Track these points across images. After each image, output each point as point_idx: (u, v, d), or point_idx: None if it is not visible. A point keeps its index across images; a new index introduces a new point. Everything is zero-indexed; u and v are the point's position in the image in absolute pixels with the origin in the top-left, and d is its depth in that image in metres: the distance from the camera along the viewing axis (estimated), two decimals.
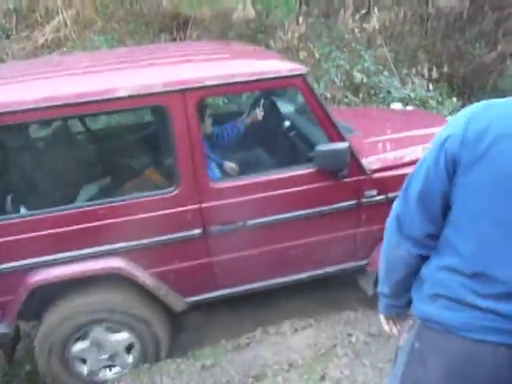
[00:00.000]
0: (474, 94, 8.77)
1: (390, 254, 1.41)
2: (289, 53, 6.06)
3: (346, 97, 5.96)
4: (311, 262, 2.86)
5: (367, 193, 2.68)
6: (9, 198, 2.64)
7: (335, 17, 6.62)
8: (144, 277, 2.48)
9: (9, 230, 2.29)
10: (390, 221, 1.40)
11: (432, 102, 6.47)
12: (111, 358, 2.71)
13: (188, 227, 2.47)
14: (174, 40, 5.68)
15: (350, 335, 3.00)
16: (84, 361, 2.71)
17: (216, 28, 5.35)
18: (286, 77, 2.45)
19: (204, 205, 2.45)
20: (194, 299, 2.75)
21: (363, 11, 6.32)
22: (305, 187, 2.57)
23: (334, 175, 2.56)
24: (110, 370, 2.80)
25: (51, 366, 2.62)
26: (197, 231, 2.50)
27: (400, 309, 1.55)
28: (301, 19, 6.12)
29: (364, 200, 2.69)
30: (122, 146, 3.30)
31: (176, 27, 5.71)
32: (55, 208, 2.35)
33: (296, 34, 5.77)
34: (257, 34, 5.79)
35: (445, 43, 8.03)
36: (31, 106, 2.14)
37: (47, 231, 2.32)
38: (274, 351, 2.90)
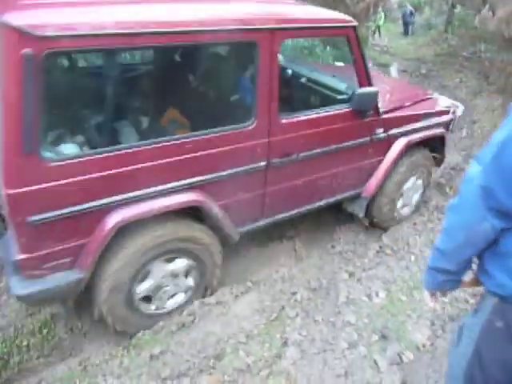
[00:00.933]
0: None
1: (470, 229, 1.30)
2: None
3: None
4: (331, 190, 3.31)
5: (377, 130, 3.24)
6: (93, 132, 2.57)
7: None
8: (216, 209, 2.60)
9: (92, 166, 2.11)
10: (470, 193, 1.28)
11: None
12: (174, 286, 2.74)
13: (256, 160, 2.66)
14: None
15: (293, 293, 3.01)
16: (149, 298, 2.68)
17: None
18: (345, 26, 2.78)
19: (271, 139, 2.65)
20: (245, 229, 2.92)
21: None
22: (341, 124, 2.98)
23: (362, 115, 3.04)
24: (172, 298, 2.82)
25: (117, 309, 2.54)
26: (262, 164, 2.69)
27: (457, 283, 1.52)
28: None
29: (374, 136, 3.23)
30: (201, 80, 3.32)
31: None
32: (142, 142, 2.28)
33: None
34: None
35: None
36: (140, 30, 2.02)
37: (131, 167, 2.21)
38: (222, 324, 2.76)
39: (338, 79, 3.45)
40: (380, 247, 3.62)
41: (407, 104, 3.55)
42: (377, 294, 2.98)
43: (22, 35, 1.75)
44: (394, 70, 8.79)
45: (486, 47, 9.20)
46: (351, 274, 3.21)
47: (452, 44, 12.38)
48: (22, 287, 2.18)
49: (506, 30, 7.16)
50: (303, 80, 3.64)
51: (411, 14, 17.75)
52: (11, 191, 1.93)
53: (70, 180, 2.05)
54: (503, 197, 1.21)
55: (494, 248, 1.32)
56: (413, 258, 3.50)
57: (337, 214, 4.02)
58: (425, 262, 3.44)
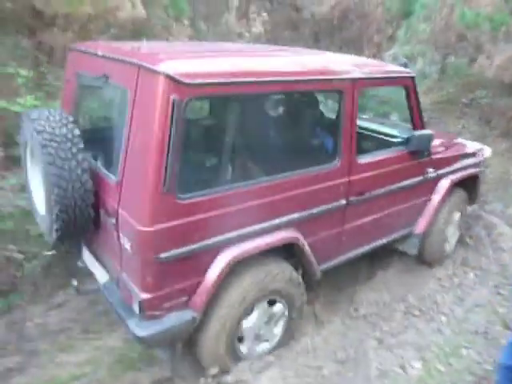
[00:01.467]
0: None
1: None
2: None
3: None
4: (392, 228, 3.48)
5: (429, 170, 3.50)
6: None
7: (217, 19, 6.32)
8: (307, 246, 2.70)
9: (216, 203, 2.22)
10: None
11: None
12: (266, 332, 2.73)
13: (339, 198, 2.82)
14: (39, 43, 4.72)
15: (319, 368, 2.74)
16: (241, 339, 2.64)
17: (95, 26, 4.58)
18: (406, 77, 3.23)
19: (351, 178, 2.83)
20: (325, 267, 2.98)
21: (254, 15, 6.15)
22: (403, 164, 3.23)
23: (418, 155, 3.31)
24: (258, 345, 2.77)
25: (218, 349, 2.50)
26: (343, 202, 2.85)
27: None
28: (186, 22, 5.67)
29: (427, 175, 3.49)
30: (294, 125, 3.47)
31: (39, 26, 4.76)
32: (253, 181, 2.41)
33: (184, 38, 5.30)
34: (141, 35, 5.17)
35: (316, 47, 8.43)
36: (269, 79, 2.29)
37: (247, 203, 2.33)
38: None
39: (393, 125, 4.07)
40: (406, 308, 3.38)
41: (446, 146, 3.84)
42: (411, 365, 2.71)
43: (172, 82, 1.92)
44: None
45: (484, 93, 9.29)
46: (380, 341, 2.95)
47: (450, 91, 12.57)
48: (143, 328, 2.15)
49: (506, 75, 7.24)
50: (366, 125, 3.95)
51: (405, 65, 18.26)
52: (146, 229, 2.00)
53: (198, 217, 2.15)
54: None
55: None
56: (443, 318, 3.25)
57: (356, 273, 3.81)
58: (457, 323, 3.19)
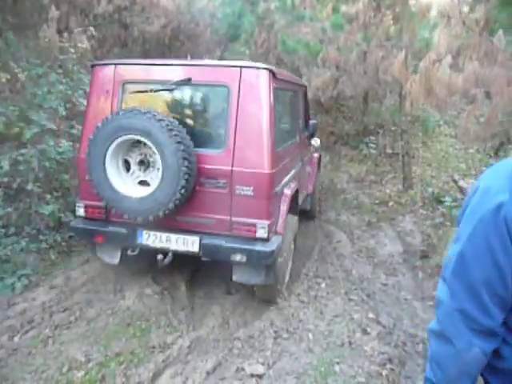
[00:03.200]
0: None
1: (460, 359, 1.09)
2: None
3: (72, 127, 5.03)
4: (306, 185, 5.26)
5: (311, 148, 5.59)
6: None
7: (33, 32, 5.49)
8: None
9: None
10: (447, 318, 1.09)
11: None
12: None
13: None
14: None
15: None
16: None
17: None
18: (304, 86, 5.18)
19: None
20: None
21: (71, 28, 5.47)
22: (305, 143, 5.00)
23: (309, 138, 5.37)
24: None
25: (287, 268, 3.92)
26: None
27: None
28: None
29: (311, 151, 5.45)
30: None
31: None
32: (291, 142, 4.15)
33: None
34: None
35: None
36: None
37: (289, 158, 3.91)
38: None
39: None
40: (275, 332, 3.31)
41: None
42: None
43: (273, 75, 3.18)
44: None
45: None
46: (259, 377, 2.79)
47: None
48: (268, 247, 3.12)
49: (322, 96, 8.06)
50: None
51: None
52: (268, 171, 3.06)
53: (281, 164, 3.47)
54: (479, 315, 1.05)
55: (496, 364, 1.11)
56: (310, 335, 3.28)
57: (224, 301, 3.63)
58: (323, 338, 3.25)
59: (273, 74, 3.16)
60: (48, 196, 4.42)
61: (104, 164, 3.05)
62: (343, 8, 7.01)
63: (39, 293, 3.80)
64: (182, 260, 3.55)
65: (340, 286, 4.17)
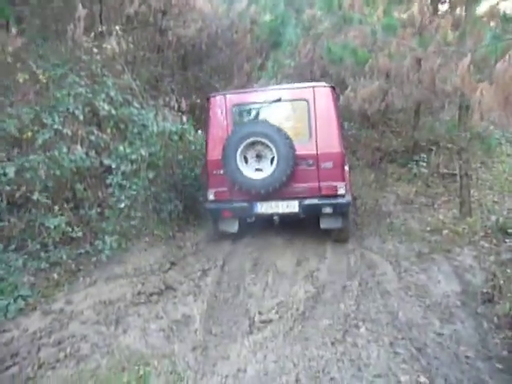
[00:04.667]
0: None
1: None
2: (1, 74, 4.30)
3: (91, 133, 4.61)
4: None
5: None
6: None
7: (62, 34, 5.15)
8: None
9: None
10: None
11: (187, 135, 5.89)
12: None
13: None
14: None
15: None
16: None
17: None
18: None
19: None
20: None
21: (99, 28, 5.10)
22: None
23: None
24: None
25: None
26: None
27: None
28: (14, 30, 4.42)
29: None
30: None
31: None
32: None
33: (9, 49, 4.05)
34: None
35: (184, 74, 7.70)
36: None
37: None
38: None
39: None
40: None
41: None
42: None
43: (333, 90, 4.97)
44: None
45: (350, 125, 9.57)
46: None
47: None
48: (346, 200, 4.88)
49: (369, 108, 7.34)
50: None
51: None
52: (340, 151, 4.81)
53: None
54: None
55: None
56: None
57: None
58: None
59: (333, 88, 5.01)
60: (56, 207, 3.98)
61: (236, 160, 4.61)
62: (395, 12, 6.30)
63: (33, 319, 3.34)
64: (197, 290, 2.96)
65: (383, 332, 3.42)
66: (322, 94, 4.74)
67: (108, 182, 4.48)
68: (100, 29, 5.10)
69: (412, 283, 4.36)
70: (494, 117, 5.07)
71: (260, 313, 3.74)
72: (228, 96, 4.89)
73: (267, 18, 8.06)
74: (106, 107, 4.66)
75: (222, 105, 4.84)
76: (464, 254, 4.92)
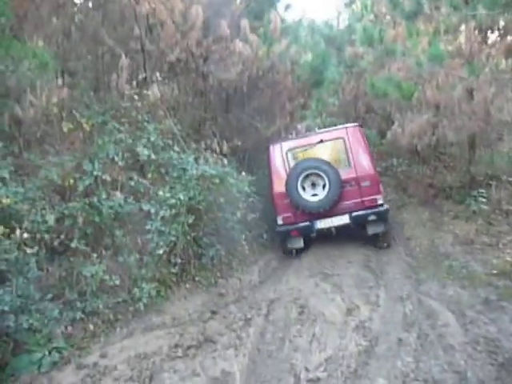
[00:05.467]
0: (260, 166, 8.77)
1: None
2: (47, 124, 4.43)
3: (131, 178, 4.61)
4: None
5: None
6: None
7: (106, 83, 5.32)
8: None
9: None
10: None
11: (229, 178, 5.78)
12: None
13: None
14: None
15: None
16: None
17: None
18: None
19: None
20: None
21: (141, 76, 5.23)
22: None
23: None
24: None
25: None
26: None
27: None
28: (60, 81, 4.59)
29: None
30: None
31: None
32: None
33: (55, 99, 4.18)
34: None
35: (226, 117, 7.76)
36: None
37: None
38: None
39: None
40: None
41: None
42: None
43: (360, 127, 6.63)
44: None
45: (399, 161, 9.20)
46: None
47: None
48: (384, 208, 6.12)
49: (418, 143, 6.99)
50: None
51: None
52: (374, 173, 6.25)
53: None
54: None
55: None
56: None
57: None
58: None
59: (361, 126, 6.58)
60: (95, 255, 3.92)
61: (297, 189, 5.86)
62: (441, 43, 6.05)
63: (66, 373, 3.21)
64: None
65: None
66: (353, 132, 6.12)
67: (147, 227, 4.40)
68: (142, 76, 5.22)
69: (480, 336, 3.84)
70: None
71: (307, 369, 3.40)
72: (283, 143, 6.32)
73: (308, 57, 8.04)
74: (146, 152, 4.67)
75: (278, 150, 6.23)
76: None
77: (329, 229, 6.04)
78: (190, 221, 4.77)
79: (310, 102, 9.30)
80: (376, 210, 5.86)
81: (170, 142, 5.23)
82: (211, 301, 4.78)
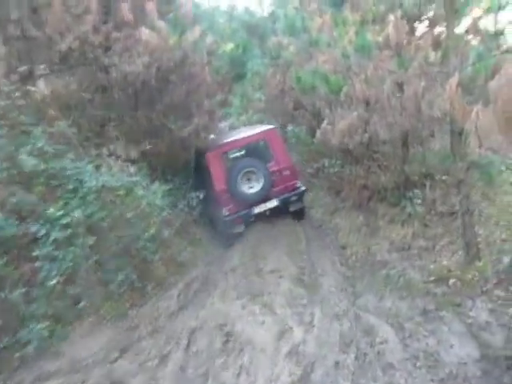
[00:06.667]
0: (177, 173, 8.57)
1: None
2: None
3: (13, 194, 4.25)
4: None
5: None
6: None
7: None
8: None
9: None
10: None
11: (137, 189, 5.56)
12: None
13: None
14: None
15: None
16: None
17: None
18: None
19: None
20: None
21: (23, 68, 4.85)
22: None
23: None
24: None
25: None
26: None
27: None
28: None
29: None
30: None
31: None
32: None
33: None
34: None
35: (134, 116, 7.48)
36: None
37: None
38: None
39: None
40: None
41: None
42: None
43: (276, 129, 8.99)
44: None
45: (331, 162, 9.44)
46: None
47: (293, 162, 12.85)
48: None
49: (350, 142, 7.21)
50: None
51: None
52: (291, 164, 8.51)
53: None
54: None
55: None
56: None
57: None
58: None
59: (276, 128, 8.52)
60: None
61: (236, 183, 7.59)
62: (369, 33, 6.31)
63: None
64: None
65: None
66: (274, 133, 8.24)
67: (35, 253, 4.07)
68: (24, 69, 4.84)
69: (420, 351, 4.03)
70: (491, 142, 4.94)
71: None
72: (217, 149, 7.99)
73: (227, 47, 8.02)
74: (33, 161, 4.33)
75: (215, 155, 7.86)
76: (477, 308, 4.62)
77: (264, 212, 8.00)
78: (91, 242, 4.51)
79: (232, 97, 9.27)
80: (296, 191, 8.13)
81: (64, 147, 4.90)
82: (120, 336, 4.54)
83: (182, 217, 7.14)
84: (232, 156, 8.87)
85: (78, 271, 4.43)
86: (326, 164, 10.12)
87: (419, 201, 7.28)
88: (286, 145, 9.12)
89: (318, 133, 7.34)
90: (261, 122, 18.84)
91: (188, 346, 4.41)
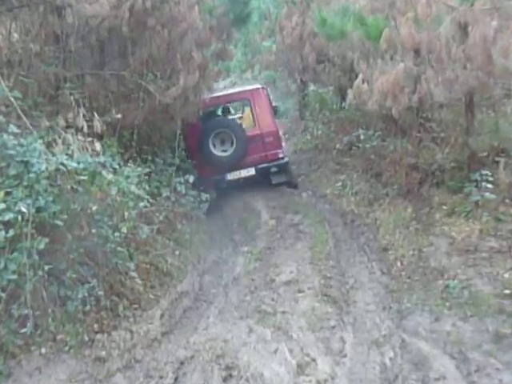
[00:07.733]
0: (159, 151, 8.60)
1: None
2: None
3: None
4: None
5: None
6: None
7: None
8: None
9: None
10: None
11: (105, 173, 5.57)
12: None
13: None
14: None
15: None
16: None
17: None
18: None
19: None
20: None
21: None
22: None
23: None
24: None
25: None
26: None
27: None
28: None
29: None
30: None
31: None
32: None
33: None
34: None
35: (99, 76, 7.50)
36: None
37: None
38: None
39: None
40: None
41: None
42: None
43: (265, 88, 11.98)
44: None
45: (367, 134, 9.46)
46: None
47: (318, 134, 12.90)
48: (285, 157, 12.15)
49: (393, 105, 7.16)
50: None
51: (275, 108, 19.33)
52: (276, 129, 11.25)
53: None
54: None
55: None
56: None
57: None
58: None
59: (264, 88, 11.33)
60: None
61: (209, 146, 10.00)
62: None
63: None
64: None
65: None
66: (259, 93, 10.42)
67: None
68: None
69: None
70: None
71: None
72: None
73: None
74: None
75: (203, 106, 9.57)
76: None
77: (237, 180, 10.22)
78: (42, 245, 4.54)
79: (232, 48, 9.31)
80: (277, 162, 10.28)
81: (3, 118, 4.92)
82: (83, 370, 4.60)
83: (167, 209, 7.15)
84: (208, 116, 10.67)
85: (25, 285, 4.46)
86: (362, 137, 10.21)
87: (490, 185, 7.26)
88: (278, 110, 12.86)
89: (350, 94, 7.33)
90: (273, 82, 20.51)
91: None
